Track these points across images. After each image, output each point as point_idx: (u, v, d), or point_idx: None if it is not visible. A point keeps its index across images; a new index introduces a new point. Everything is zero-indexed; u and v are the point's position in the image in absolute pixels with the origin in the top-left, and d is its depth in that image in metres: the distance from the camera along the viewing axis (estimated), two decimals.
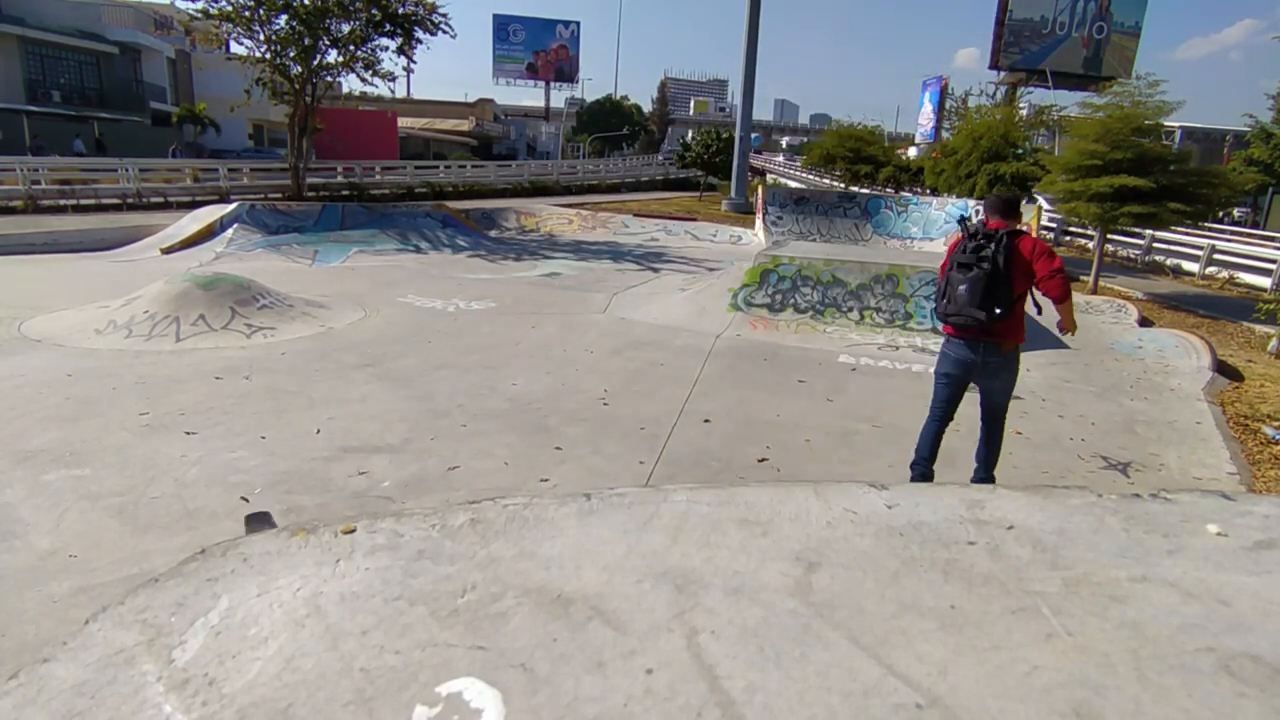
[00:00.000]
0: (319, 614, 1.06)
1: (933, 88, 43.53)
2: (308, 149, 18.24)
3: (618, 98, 69.00)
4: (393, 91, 20.23)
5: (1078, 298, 11.56)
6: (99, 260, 11.65)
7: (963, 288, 3.47)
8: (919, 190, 25.19)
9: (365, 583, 1.17)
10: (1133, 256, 17.10)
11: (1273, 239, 15.73)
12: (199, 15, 16.31)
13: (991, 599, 1.12)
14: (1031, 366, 7.09)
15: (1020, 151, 19.41)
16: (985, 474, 3.87)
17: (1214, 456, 4.87)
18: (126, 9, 34.86)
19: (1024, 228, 3.62)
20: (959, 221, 3.87)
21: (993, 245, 3.46)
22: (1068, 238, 19.57)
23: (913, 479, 3.82)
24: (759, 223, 18.19)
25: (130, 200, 16.86)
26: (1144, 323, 9.65)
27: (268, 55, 16.29)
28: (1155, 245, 16.43)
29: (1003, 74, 35.93)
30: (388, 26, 16.90)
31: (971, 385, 3.81)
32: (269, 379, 5.59)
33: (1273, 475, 4.64)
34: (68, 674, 0.91)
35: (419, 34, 17.34)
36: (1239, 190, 14.40)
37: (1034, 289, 3.57)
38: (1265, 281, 13.33)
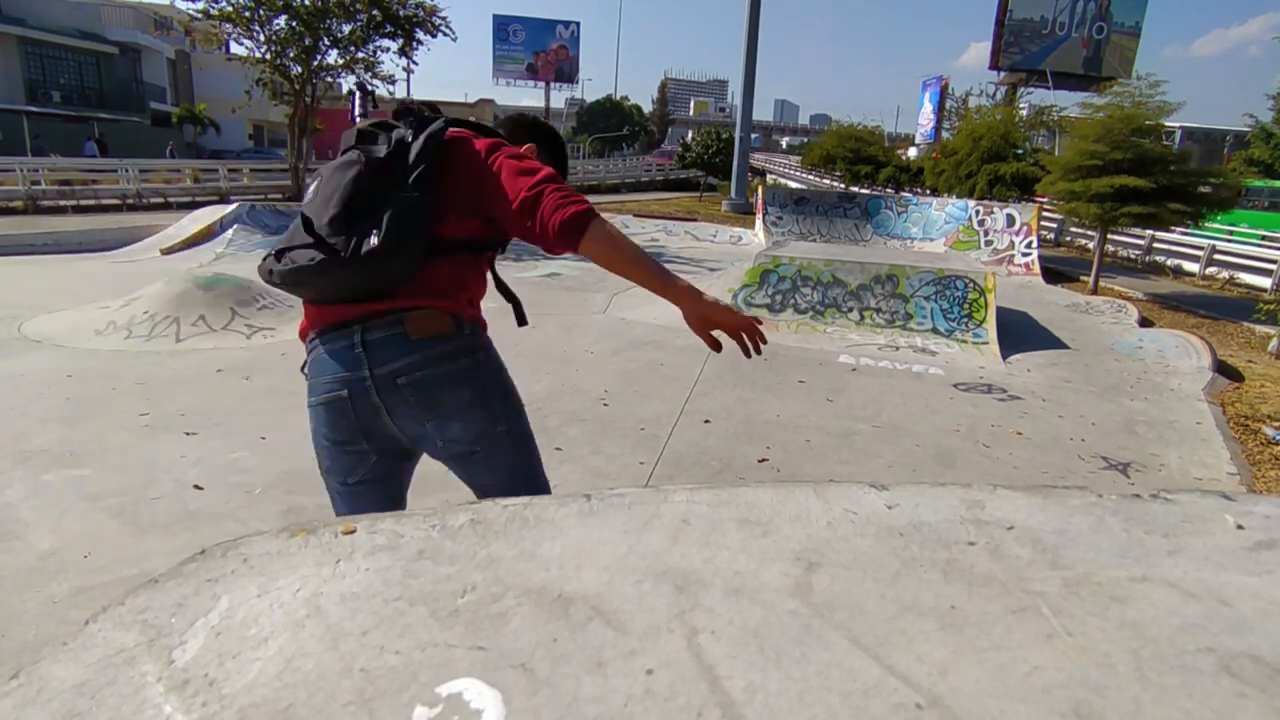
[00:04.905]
0: (319, 614, 1.06)
1: (933, 88, 43.54)
2: (308, 149, 18.24)
3: (618, 98, 69.02)
4: (393, 92, 20.24)
5: (1078, 298, 11.60)
6: (99, 260, 11.65)
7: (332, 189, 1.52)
8: (919, 190, 25.19)
9: (365, 583, 1.17)
10: (1133, 257, 17.10)
11: (1273, 239, 15.73)
12: (199, 15, 16.33)
13: (992, 599, 1.12)
14: (1031, 367, 7.09)
15: (1020, 152, 19.43)
16: None
17: (1214, 457, 4.88)
18: (126, 9, 34.88)
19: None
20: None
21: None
22: (1068, 238, 19.57)
23: None
24: (759, 223, 18.19)
25: (130, 201, 16.88)
26: (1144, 323, 9.65)
27: (268, 56, 16.31)
28: (1155, 245, 16.43)
29: (1003, 74, 35.97)
30: (388, 28, 16.91)
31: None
32: (269, 379, 5.59)
33: (1273, 475, 4.64)
34: (68, 674, 0.91)
35: (420, 35, 17.35)
36: (1240, 190, 14.42)
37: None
38: (1265, 282, 13.33)
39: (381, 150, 1.52)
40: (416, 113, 1.62)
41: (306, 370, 1.64)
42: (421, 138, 1.53)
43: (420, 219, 1.50)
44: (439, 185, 1.53)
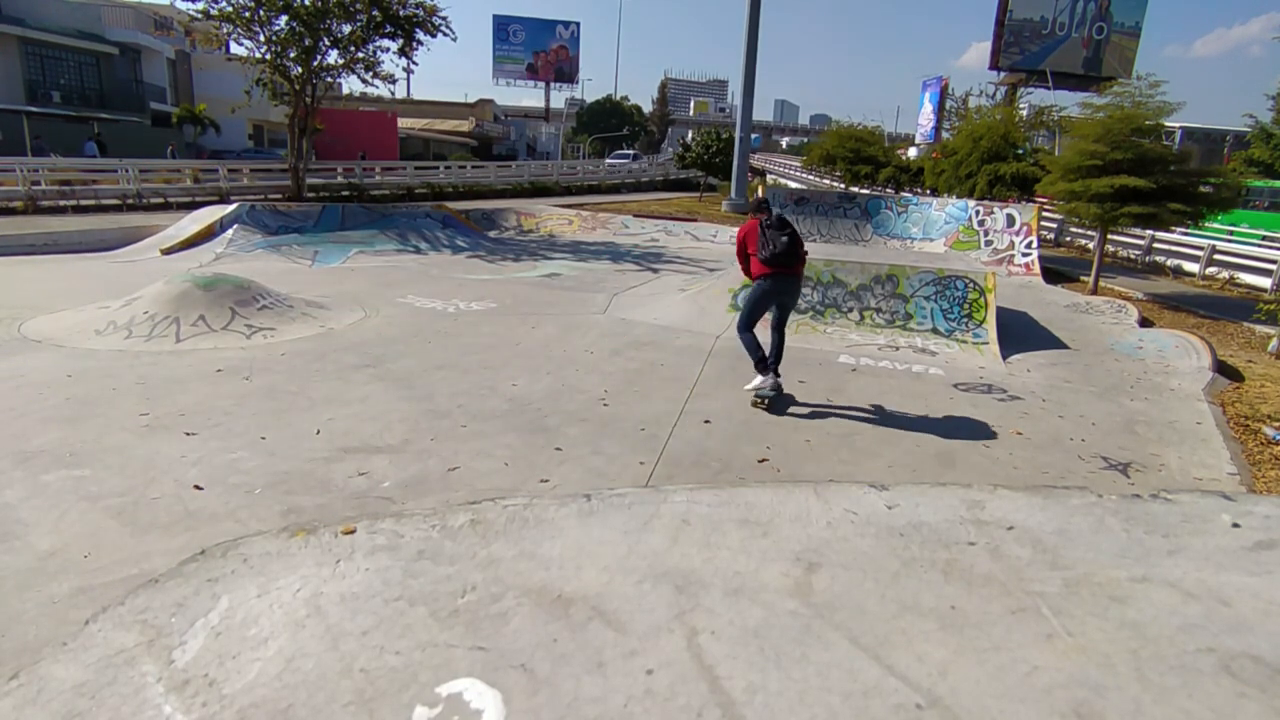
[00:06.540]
0: (319, 614, 1.06)
1: (933, 88, 43.55)
2: (308, 149, 18.23)
3: (618, 98, 68.99)
4: (393, 92, 20.22)
5: (1078, 298, 11.64)
6: (99, 261, 11.65)
7: (784, 238, 5.28)
8: (919, 190, 25.18)
9: (365, 583, 1.17)
10: (1133, 257, 17.10)
11: (1273, 239, 15.72)
12: (199, 16, 16.30)
13: (992, 599, 1.12)
14: (1031, 367, 7.09)
15: (1020, 152, 19.42)
16: (778, 363, 5.51)
17: (1214, 457, 4.87)
18: (126, 9, 34.85)
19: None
20: (765, 204, 5.71)
21: (784, 221, 5.48)
22: (1068, 238, 19.57)
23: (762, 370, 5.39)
24: None
25: (130, 201, 16.85)
26: (1144, 323, 9.65)
27: (268, 56, 16.28)
28: (1155, 245, 16.43)
29: (1003, 74, 35.98)
30: (388, 28, 16.89)
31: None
32: (269, 379, 5.59)
33: (1273, 476, 4.64)
34: (68, 674, 0.91)
35: (420, 36, 17.33)
36: (1240, 190, 14.40)
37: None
38: (1265, 282, 13.33)
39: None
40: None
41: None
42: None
43: None
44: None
